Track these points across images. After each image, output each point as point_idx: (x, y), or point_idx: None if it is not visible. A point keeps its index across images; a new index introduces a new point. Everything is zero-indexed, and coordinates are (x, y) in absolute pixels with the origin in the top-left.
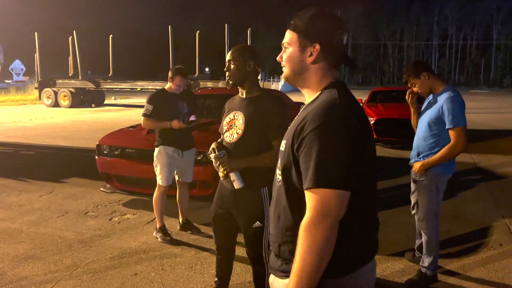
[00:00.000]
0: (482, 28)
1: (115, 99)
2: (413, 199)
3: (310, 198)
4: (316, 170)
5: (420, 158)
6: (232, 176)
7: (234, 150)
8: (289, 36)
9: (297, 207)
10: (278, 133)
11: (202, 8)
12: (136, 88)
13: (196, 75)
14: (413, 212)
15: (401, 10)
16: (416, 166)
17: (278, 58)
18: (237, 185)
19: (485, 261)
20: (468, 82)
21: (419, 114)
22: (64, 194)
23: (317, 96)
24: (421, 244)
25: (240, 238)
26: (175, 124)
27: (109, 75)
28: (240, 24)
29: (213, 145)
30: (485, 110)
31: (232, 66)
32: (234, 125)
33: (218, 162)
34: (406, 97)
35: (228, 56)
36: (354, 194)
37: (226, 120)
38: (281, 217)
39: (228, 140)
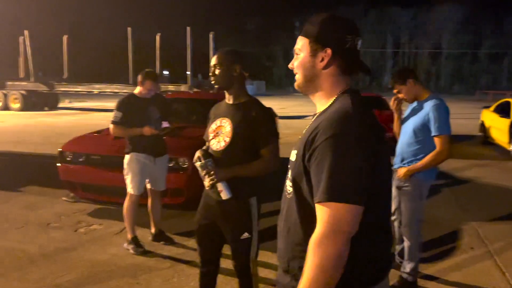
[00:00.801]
0: (433, 37)
1: (70, 102)
2: (394, 205)
3: (322, 212)
4: (328, 183)
5: (404, 164)
6: (219, 186)
7: (221, 158)
8: (300, 42)
9: (309, 221)
10: (267, 141)
11: (162, 11)
12: (93, 91)
13: None
14: (393, 218)
15: (357, 19)
16: (401, 172)
17: (290, 65)
18: (224, 195)
19: (460, 265)
20: None
21: (402, 120)
22: (22, 203)
23: (330, 105)
24: (402, 249)
25: (225, 248)
26: (147, 130)
27: (64, 77)
28: (200, 27)
29: (198, 153)
30: None
31: (217, 71)
32: (221, 132)
33: (205, 172)
34: (391, 103)
35: (213, 61)
36: (367, 209)
37: (212, 127)
38: (291, 231)
39: (214, 148)
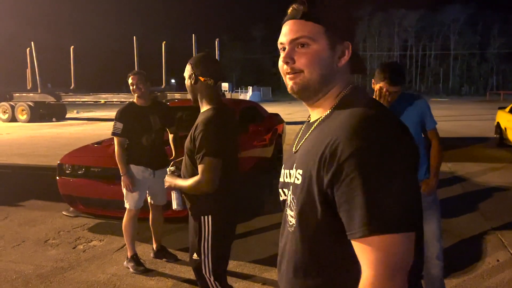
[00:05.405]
0: (440, 39)
1: (77, 112)
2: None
3: (368, 250)
4: (372, 209)
5: (424, 173)
6: (172, 194)
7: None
8: (308, 28)
9: (326, 261)
10: (200, 158)
11: (168, 19)
12: (100, 101)
13: (163, 86)
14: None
15: (363, 22)
16: (431, 183)
17: (285, 59)
18: (174, 205)
19: (486, 278)
20: (429, 91)
21: None
22: (21, 219)
23: (334, 108)
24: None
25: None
26: (125, 183)
27: (71, 87)
28: (207, 35)
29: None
30: (449, 118)
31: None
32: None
33: None
34: (386, 98)
35: None
36: (418, 235)
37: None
38: (300, 275)
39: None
